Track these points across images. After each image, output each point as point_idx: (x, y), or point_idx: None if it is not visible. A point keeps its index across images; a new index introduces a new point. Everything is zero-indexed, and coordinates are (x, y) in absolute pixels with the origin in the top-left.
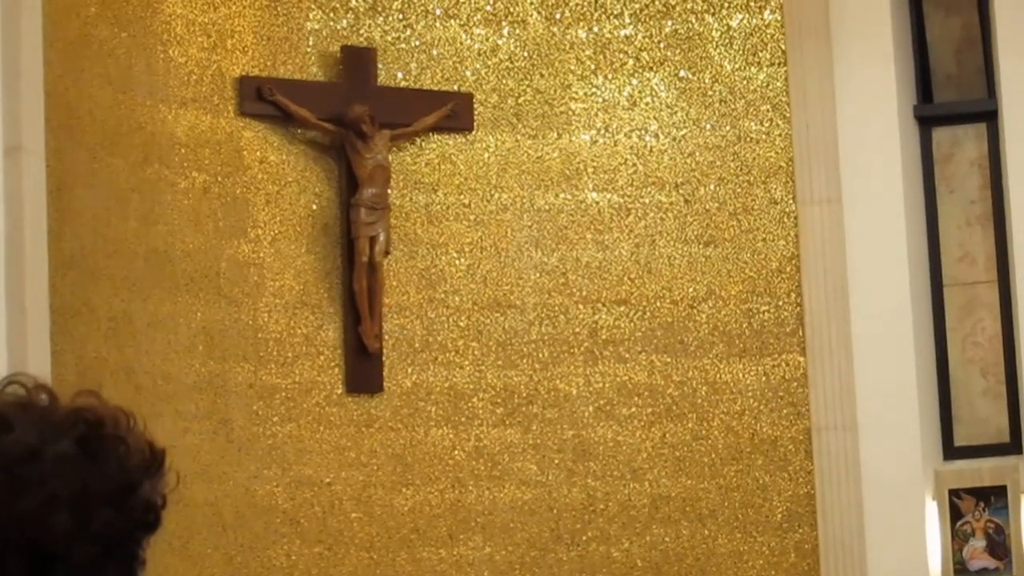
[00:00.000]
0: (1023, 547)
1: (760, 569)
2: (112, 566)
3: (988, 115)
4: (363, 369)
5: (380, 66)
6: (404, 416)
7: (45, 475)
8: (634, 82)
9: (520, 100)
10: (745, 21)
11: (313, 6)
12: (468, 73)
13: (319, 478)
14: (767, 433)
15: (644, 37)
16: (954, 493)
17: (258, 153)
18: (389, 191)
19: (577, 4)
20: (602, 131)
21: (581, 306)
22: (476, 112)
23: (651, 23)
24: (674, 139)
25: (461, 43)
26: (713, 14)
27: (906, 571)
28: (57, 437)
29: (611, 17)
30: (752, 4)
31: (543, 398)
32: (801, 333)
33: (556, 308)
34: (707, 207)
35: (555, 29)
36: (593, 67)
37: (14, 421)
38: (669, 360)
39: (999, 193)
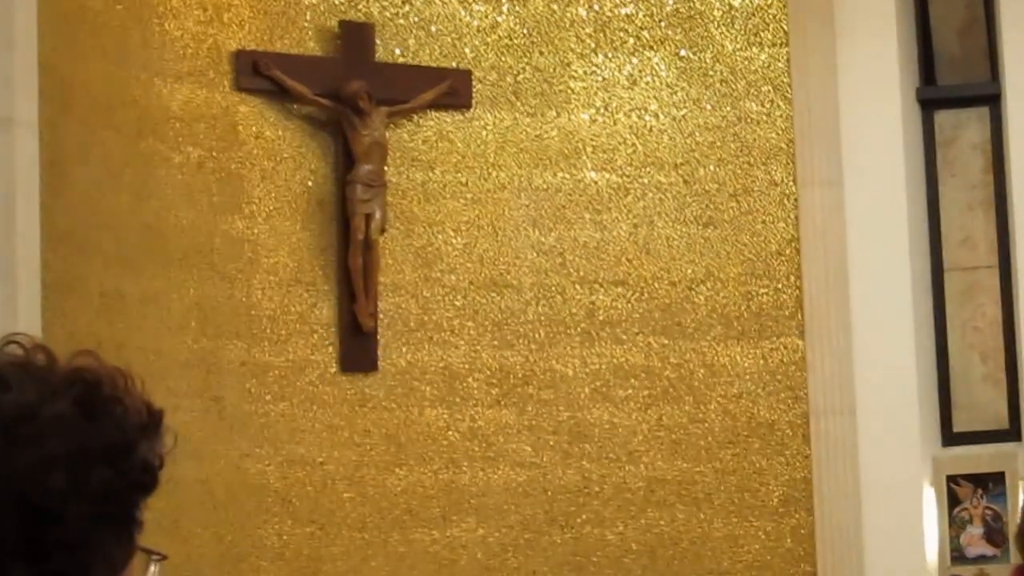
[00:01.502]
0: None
1: (756, 553)
2: (108, 526)
3: (991, 98)
4: (357, 348)
5: (378, 42)
6: (398, 396)
7: (42, 434)
8: (634, 61)
9: (519, 78)
10: (747, 1)
11: None
12: (467, 50)
13: (312, 457)
14: (764, 417)
15: (645, 15)
16: (952, 479)
17: (254, 128)
18: (386, 168)
19: None
20: (601, 110)
21: (578, 286)
22: (474, 89)
23: (652, 1)
24: (674, 119)
25: (460, 19)
26: None
27: (903, 557)
28: (55, 397)
29: None
30: None
31: (539, 379)
32: (800, 316)
33: (553, 288)
34: (706, 188)
35: (555, 7)
36: (593, 45)
37: (12, 380)
38: (666, 342)
39: (1001, 177)
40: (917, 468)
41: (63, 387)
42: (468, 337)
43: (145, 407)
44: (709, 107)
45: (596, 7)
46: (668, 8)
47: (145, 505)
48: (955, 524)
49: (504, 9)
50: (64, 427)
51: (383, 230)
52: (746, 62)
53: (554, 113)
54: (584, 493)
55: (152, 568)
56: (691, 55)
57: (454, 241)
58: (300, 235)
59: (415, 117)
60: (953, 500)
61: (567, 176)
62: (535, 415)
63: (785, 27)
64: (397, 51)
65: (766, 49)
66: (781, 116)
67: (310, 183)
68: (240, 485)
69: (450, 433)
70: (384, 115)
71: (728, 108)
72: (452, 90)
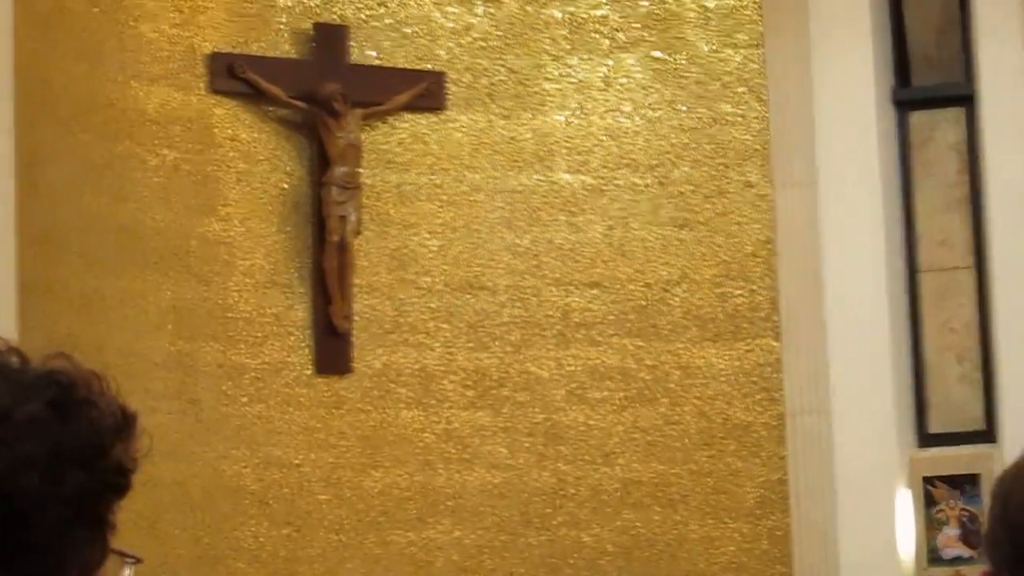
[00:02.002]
0: None
1: (732, 555)
2: (82, 527)
3: (966, 99)
4: (333, 350)
5: (352, 44)
6: (374, 397)
7: (16, 436)
8: (609, 62)
9: (494, 80)
10: (722, 2)
11: None
12: (441, 52)
13: (288, 459)
14: (740, 418)
15: (619, 17)
16: (928, 481)
17: (229, 130)
18: (360, 170)
19: None
20: (576, 112)
21: (553, 288)
22: (449, 91)
23: (626, 3)
24: (648, 120)
25: (434, 21)
26: None
27: (879, 559)
28: (28, 398)
29: None
30: None
31: (514, 381)
32: (775, 318)
33: (528, 290)
34: (681, 189)
35: (529, 8)
36: (567, 47)
37: None
38: (641, 344)
39: (976, 178)
40: (893, 469)
41: (37, 389)
42: (443, 339)
43: (119, 409)
44: (684, 108)
45: (570, 9)
46: (642, 10)
47: (118, 508)
48: (931, 525)
49: (478, 11)
50: (38, 429)
51: (358, 232)
52: (721, 63)
53: (528, 115)
54: (560, 495)
55: (126, 571)
56: (665, 56)
57: (429, 243)
58: (275, 237)
59: (390, 119)
60: (929, 501)
61: (542, 178)
62: (510, 417)
63: (760, 28)
64: (371, 53)
65: (741, 50)
66: (756, 117)
67: (285, 185)
68: (217, 487)
69: (426, 435)
70: (359, 117)
71: (703, 109)
72: (426, 92)
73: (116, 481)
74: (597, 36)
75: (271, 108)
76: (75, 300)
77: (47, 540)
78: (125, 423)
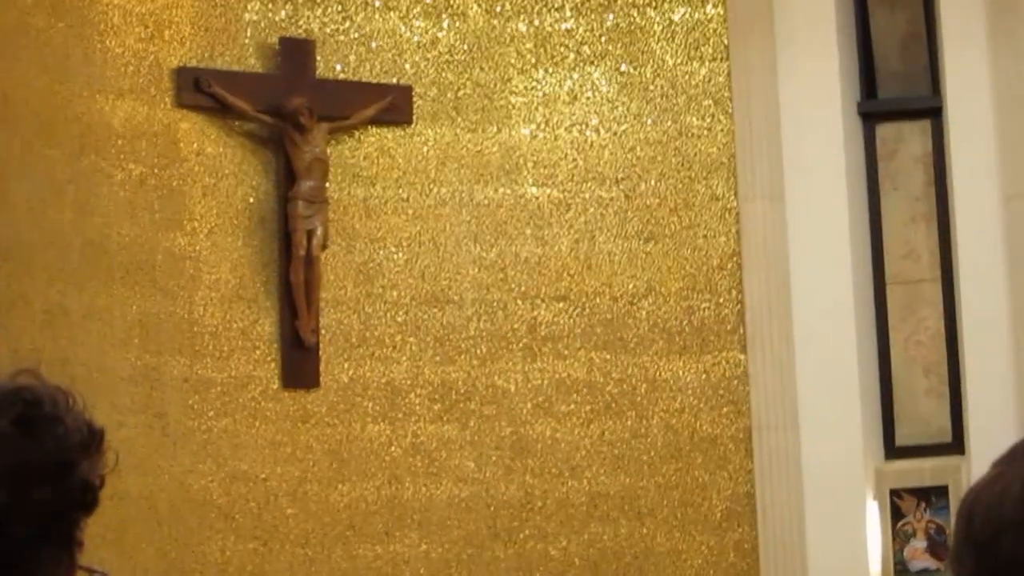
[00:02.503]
0: None
1: (699, 568)
2: (48, 544)
3: (933, 111)
4: (299, 363)
5: (319, 58)
6: (340, 411)
7: None
8: (575, 76)
9: (460, 93)
10: (687, 15)
11: None
12: (407, 66)
13: (254, 473)
14: (707, 431)
15: (585, 30)
16: (895, 493)
17: (195, 145)
18: (327, 184)
19: None
20: (542, 125)
21: (520, 301)
22: (415, 105)
23: (592, 16)
24: (615, 134)
25: (400, 35)
26: (655, 8)
27: (846, 571)
28: None
29: (552, 10)
30: None
31: (481, 394)
32: (742, 330)
33: (495, 303)
34: (648, 202)
35: (495, 22)
36: (533, 60)
37: None
38: (608, 357)
39: (943, 190)
40: (860, 481)
41: (3, 406)
42: (410, 352)
43: (86, 426)
44: (650, 121)
45: (536, 22)
46: (608, 23)
47: (85, 524)
48: (898, 538)
49: (444, 25)
50: (4, 446)
51: (325, 246)
52: (687, 76)
53: (495, 128)
54: (527, 508)
55: None
56: (631, 70)
57: (395, 256)
58: (242, 251)
59: (356, 133)
60: (896, 514)
61: (508, 191)
62: (477, 430)
63: (725, 41)
64: (338, 67)
65: (706, 63)
66: (722, 130)
67: (252, 199)
68: (183, 501)
69: (392, 448)
70: (325, 131)
71: (669, 122)
72: (393, 106)
73: (83, 498)
74: (563, 49)
75: (237, 122)
76: (41, 314)
77: (14, 556)
78: (92, 439)
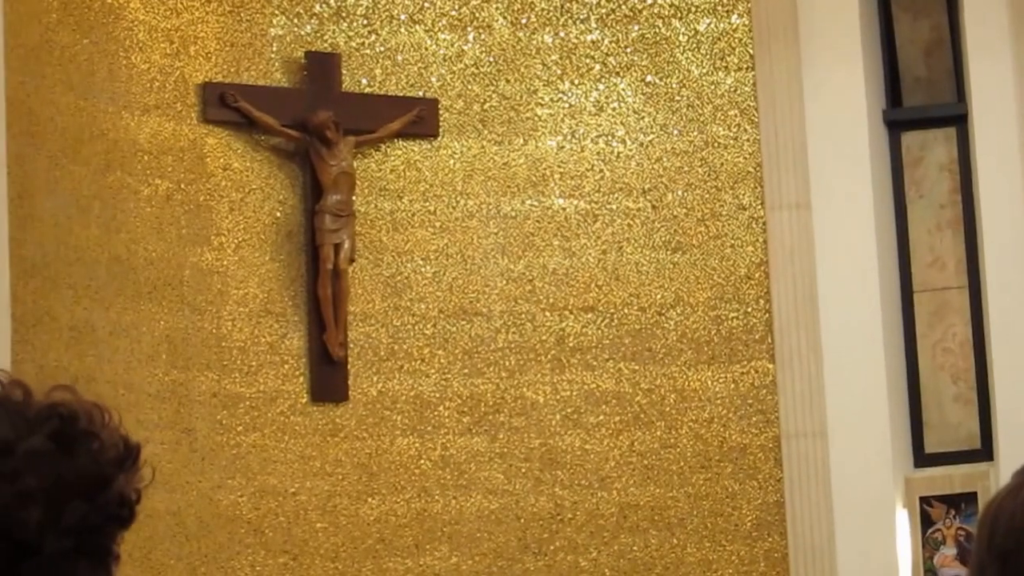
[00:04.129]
0: None
1: None
2: (84, 559)
3: (958, 119)
4: (328, 378)
5: (344, 72)
6: (369, 425)
7: (18, 469)
8: (600, 87)
9: (486, 106)
10: (712, 25)
11: (277, 12)
12: (433, 79)
13: (284, 488)
14: (736, 441)
15: (611, 42)
16: (925, 500)
17: (221, 160)
18: (354, 198)
19: (543, 9)
20: (568, 137)
21: (548, 313)
22: (441, 118)
23: (618, 27)
24: (641, 144)
25: (426, 48)
26: (680, 18)
27: None
28: (31, 432)
29: (577, 22)
30: (719, 8)
31: (510, 406)
32: (770, 340)
33: (523, 315)
34: (675, 213)
35: (521, 34)
36: (559, 72)
37: None
38: (637, 367)
39: (969, 197)
40: (889, 489)
41: (39, 422)
42: (438, 365)
43: (122, 441)
44: (676, 132)
45: (562, 34)
46: (634, 34)
47: (122, 538)
48: (928, 545)
49: (470, 38)
50: (40, 462)
51: (352, 260)
52: (712, 86)
53: (521, 140)
54: (557, 520)
55: None
56: (657, 80)
57: (423, 270)
58: (269, 266)
59: (382, 146)
60: (926, 521)
61: (535, 203)
62: (506, 442)
63: (751, 51)
64: (363, 81)
65: (732, 73)
66: (748, 140)
67: (278, 214)
68: (212, 516)
69: (422, 462)
70: (351, 145)
71: (695, 133)
72: (419, 119)
73: (119, 512)
74: (589, 61)
75: (263, 137)
76: (68, 331)
77: (50, 572)
78: (127, 455)
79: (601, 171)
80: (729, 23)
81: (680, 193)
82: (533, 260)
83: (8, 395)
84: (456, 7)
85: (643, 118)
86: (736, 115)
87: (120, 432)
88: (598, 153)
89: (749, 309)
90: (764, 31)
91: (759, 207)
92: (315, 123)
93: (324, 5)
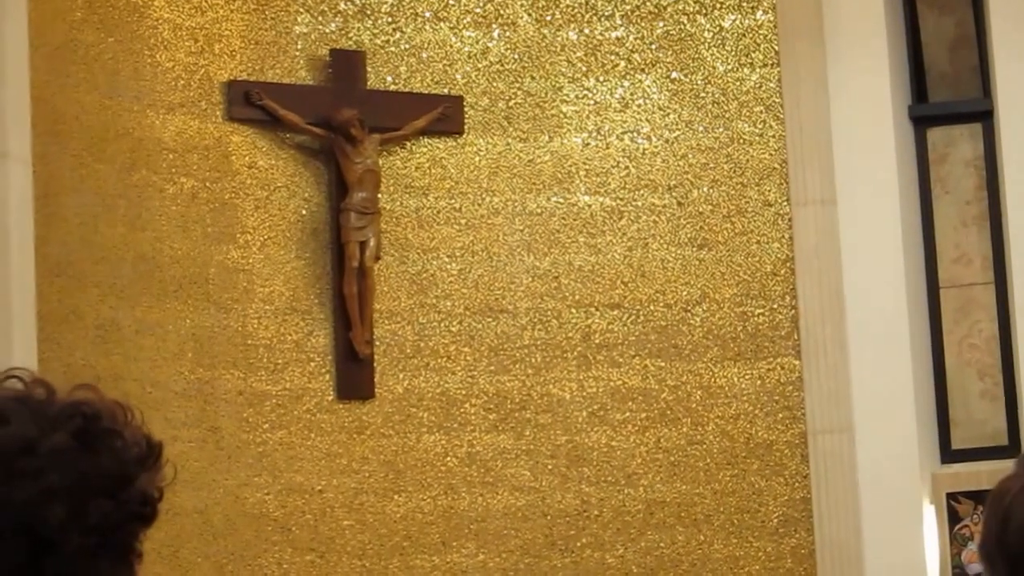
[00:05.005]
0: None
1: (756, 574)
2: (108, 557)
3: (983, 115)
4: (354, 375)
5: (369, 69)
6: (396, 422)
7: (41, 467)
8: (626, 84)
9: (511, 103)
10: (737, 22)
11: (301, 9)
12: (458, 76)
13: (310, 485)
14: (762, 437)
15: (635, 38)
16: (952, 496)
17: (246, 158)
18: (379, 195)
19: (568, 6)
20: (594, 133)
21: (574, 310)
22: (466, 115)
23: (642, 24)
24: (666, 141)
25: (451, 46)
26: (705, 15)
27: (904, 574)
28: (54, 430)
29: (602, 18)
30: (744, 4)
31: (536, 403)
32: (796, 336)
33: (548, 312)
34: (700, 209)
35: (546, 31)
36: (584, 69)
37: (11, 415)
38: (663, 364)
39: (995, 193)
40: (916, 486)
41: (62, 420)
42: (464, 363)
43: (145, 439)
44: (701, 129)
45: (587, 31)
46: (659, 31)
47: (145, 536)
48: (956, 541)
49: (495, 35)
50: (63, 460)
51: (377, 257)
52: (738, 83)
53: (546, 137)
54: (583, 516)
55: None
56: (682, 77)
57: (449, 267)
58: (295, 263)
59: (408, 144)
60: (953, 517)
61: (561, 200)
62: (533, 439)
63: (776, 47)
64: (388, 78)
65: (757, 69)
66: (774, 136)
67: (304, 211)
68: (239, 514)
69: (448, 459)
70: (376, 142)
71: (720, 129)
72: (444, 116)
73: (141, 511)
74: (614, 58)
75: (288, 135)
76: (94, 330)
77: (74, 570)
78: (150, 453)
79: (626, 168)
80: (754, 19)
81: (706, 189)
82: (559, 257)
83: (31, 394)
84: (481, 4)
85: (668, 115)
86: (761, 111)
87: (142, 430)
88: (623, 150)
89: (775, 305)
90: (789, 27)
91: (785, 203)
92: (340, 121)
93: (349, 3)
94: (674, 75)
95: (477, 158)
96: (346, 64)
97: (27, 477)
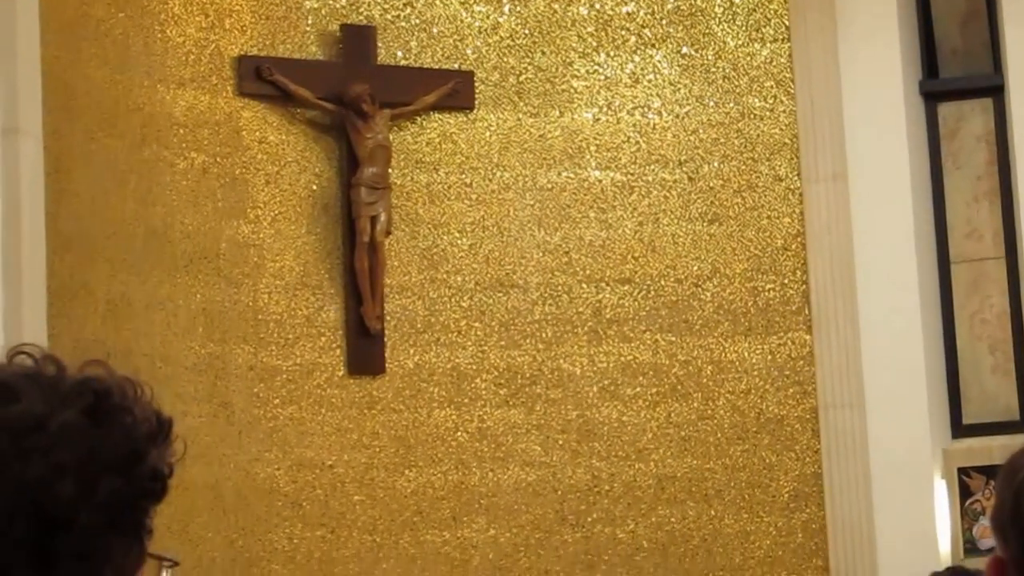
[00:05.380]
0: None
1: (767, 549)
2: (118, 534)
3: (994, 90)
4: (365, 350)
5: (380, 44)
6: (406, 397)
7: (51, 444)
8: (636, 59)
9: (521, 78)
10: None
11: None
12: (469, 51)
13: (321, 460)
14: (773, 412)
15: (646, 13)
16: (963, 471)
17: (257, 133)
18: (390, 170)
19: None
20: (604, 109)
21: (584, 285)
22: (477, 90)
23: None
24: (677, 116)
25: (462, 21)
26: None
27: (915, 550)
28: (64, 406)
29: None
30: None
31: (546, 378)
32: (807, 311)
33: (559, 287)
34: (711, 184)
35: (556, 6)
36: (595, 44)
37: (21, 391)
38: (674, 339)
39: (1006, 168)
40: (928, 461)
41: (72, 397)
42: (475, 338)
43: (155, 416)
44: (712, 104)
45: (597, 6)
46: (669, 6)
47: (155, 512)
48: (967, 516)
49: (505, 10)
50: (73, 436)
51: (388, 232)
52: (748, 58)
53: (557, 112)
54: (594, 492)
55: (164, 574)
56: (693, 52)
57: (460, 242)
58: (305, 238)
59: (418, 119)
60: (965, 492)
61: (571, 175)
62: (544, 414)
63: (786, 22)
64: (399, 53)
65: (768, 45)
66: (784, 111)
67: (314, 187)
68: (250, 489)
69: (459, 434)
70: (387, 117)
71: (731, 104)
72: (455, 91)
73: (152, 487)
74: (624, 33)
75: (299, 110)
76: (105, 304)
77: (84, 546)
78: (160, 429)
79: (637, 143)
80: None
81: (716, 165)
82: (569, 232)
83: (41, 370)
84: None
85: (679, 90)
86: (772, 87)
87: (152, 406)
88: (634, 125)
89: (786, 280)
90: (800, 2)
91: (795, 178)
92: (351, 96)
93: None
94: (685, 50)
95: (488, 133)
96: (357, 39)
97: (37, 454)
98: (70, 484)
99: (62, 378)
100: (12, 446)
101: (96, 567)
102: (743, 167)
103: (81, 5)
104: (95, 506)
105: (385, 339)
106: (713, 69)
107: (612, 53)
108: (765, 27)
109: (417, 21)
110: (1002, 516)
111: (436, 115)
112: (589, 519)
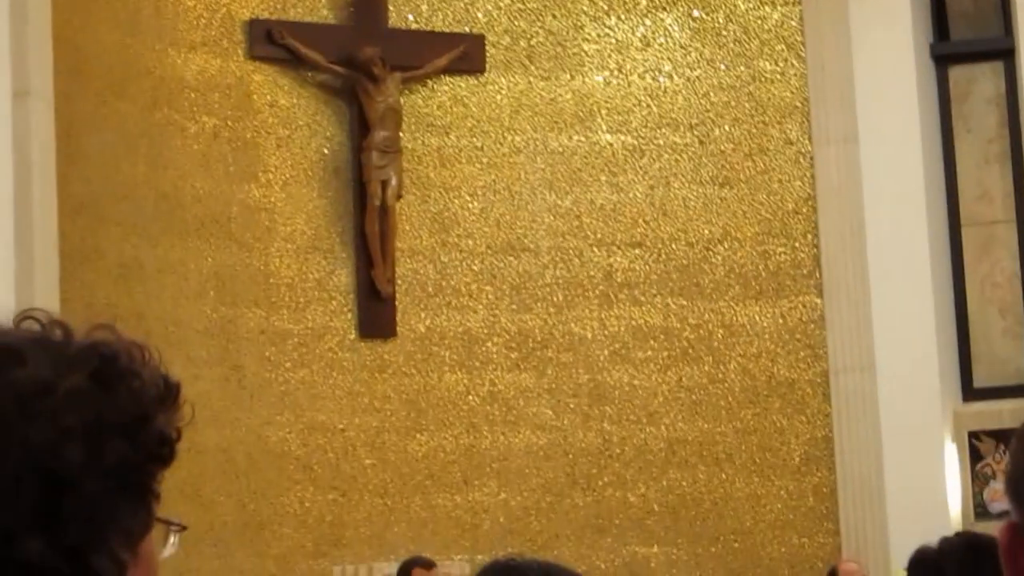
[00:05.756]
0: None
1: (778, 512)
2: (125, 498)
3: (1005, 53)
4: (376, 314)
5: (391, 8)
6: (417, 361)
7: (58, 408)
8: (647, 22)
9: (532, 41)
10: None
11: None
12: (480, 14)
13: (332, 424)
14: (784, 375)
15: None
16: (973, 435)
17: (268, 96)
18: (401, 134)
19: None
20: (615, 72)
21: (596, 249)
22: (488, 54)
23: None
24: (688, 79)
25: None
26: None
27: (926, 513)
28: (71, 371)
29: None
30: None
31: (558, 342)
32: (818, 274)
33: (570, 251)
34: (722, 148)
35: None
36: (606, 7)
37: (28, 356)
38: (685, 303)
39: (1016, 131)
40: (938, 424)
41: (79, 361)
42: (486, 301)
43: (163, 380)
44: (723, 67)
45: None
46: None
47: (162, 477)
48: (978, 479)
49: None
50: (80, 401)
51: (399, 196)
52: (759, 21)
53: (568, 76)
54: (605, 455)
55: (172, 539)
56: (704, 15)
57: (470, 205)
58: (317, 202)
59: (429, 82)
60: (975, 455)
61: (582, 139)
62: (554, 378)
63: None
64: (410, 17)
65: (779, 8)
66: (795, 74)
67: (326, 150)
68: (261, 452)
69: (470, 397)
70: (398, 81)
71: (742, 67)
72: (466, 55)
73: (159, 451)
74: None
75: (310, 73)
76: (116, 268)
77: (91, 511)
78: (168, 393)
79: (648, 106)
80: None
81: (727, 128)
82: (580, 195)
83: (48, 335)
84: None
85: (690, 53)
86: (783, 50)
87: (160, 370)
88: (645, 88)
89: (796, 244)
90: None
91: (806, 142)
92: (362, 59)
93: None
94: (695, 13)
95: (499, 96)
96: (368, 3)
97: (44, 418)
98: (77, 448)
99: (69, 342)
100: (19, 410)
101: (103, 531)
102: (754, 130)
103: None
104: (102, 470)
105: (396, 303)
106: (724, 32)
107: (623, 16)
108: None
109: None
110: (1017, 480)
111: (447, 78)
112: (600, 483)
